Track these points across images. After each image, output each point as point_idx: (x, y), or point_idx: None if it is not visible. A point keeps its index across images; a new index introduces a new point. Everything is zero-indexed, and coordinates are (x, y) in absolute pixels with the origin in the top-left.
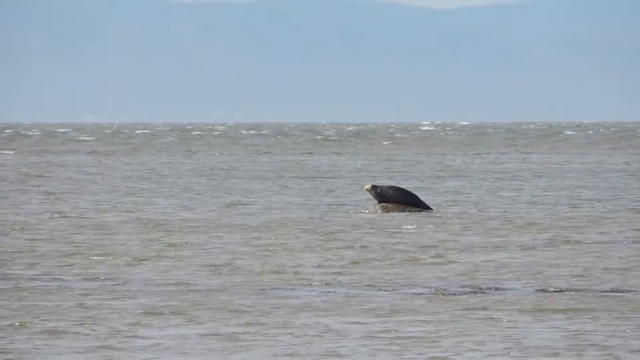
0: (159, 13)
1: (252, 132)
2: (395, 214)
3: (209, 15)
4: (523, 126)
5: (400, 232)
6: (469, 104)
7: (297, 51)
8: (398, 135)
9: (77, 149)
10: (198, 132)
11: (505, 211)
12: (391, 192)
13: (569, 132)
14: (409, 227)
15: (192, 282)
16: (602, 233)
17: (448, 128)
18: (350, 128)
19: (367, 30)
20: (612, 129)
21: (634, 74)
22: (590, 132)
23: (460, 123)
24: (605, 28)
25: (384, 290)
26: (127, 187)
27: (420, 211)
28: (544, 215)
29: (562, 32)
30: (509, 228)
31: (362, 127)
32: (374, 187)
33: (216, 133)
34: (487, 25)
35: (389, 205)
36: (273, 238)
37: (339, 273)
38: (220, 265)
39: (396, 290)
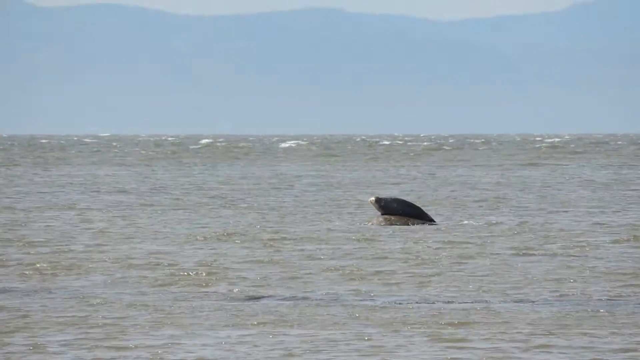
0: (162, 26)
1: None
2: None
3: (211, 27)
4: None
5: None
6: (473, 116)
7: (301, 64)
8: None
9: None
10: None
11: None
12: (395, 205)
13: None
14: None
15: None
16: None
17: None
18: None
19: (371, 43)
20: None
21: (638, 86)
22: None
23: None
24: (609, 40)
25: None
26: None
27: (423, 223)
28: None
29: (566, 44)
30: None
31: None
32: (378, 200)
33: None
34: (492, 38)
35: (392, 217)
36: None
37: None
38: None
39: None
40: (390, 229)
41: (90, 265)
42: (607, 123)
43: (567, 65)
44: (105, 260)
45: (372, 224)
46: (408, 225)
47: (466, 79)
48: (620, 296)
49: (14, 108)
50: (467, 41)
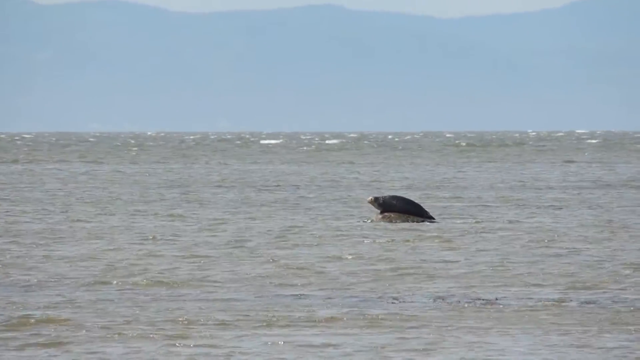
0: (162, 23)
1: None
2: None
3: (211, 24)
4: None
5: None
6: (472, 113)
7: (301, 60)
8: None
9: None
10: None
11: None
12: (394, 202)
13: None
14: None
15: None
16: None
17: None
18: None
19: (371, 40)
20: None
21: (636, 84)
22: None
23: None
24: (609, 39)
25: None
26: None
27: (422, 221)
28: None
29: (566, 42)
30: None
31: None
32: (376, 199)
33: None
34: (492, 35)
35: (392, 215)
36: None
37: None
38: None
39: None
40: (394, 226)
41: None
42: (606, 121)
43: (566, 63)
44: None
45: (372, 222)
46: (408, 222)
47: (465, 76)
48: None
49: (14, 107)
50: (466, 39)
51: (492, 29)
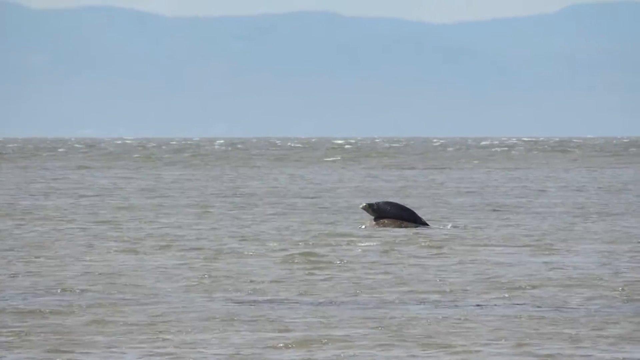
0: (156, 29)
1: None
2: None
3: (206, 30)
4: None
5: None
6: (467, 119)
7: (296, 67)
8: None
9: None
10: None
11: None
12: (388, 208)
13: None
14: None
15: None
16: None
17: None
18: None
19: (365, 45)
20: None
21: (634, 91)
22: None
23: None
24: (606, 44)
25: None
26: None
27: (416, 226)
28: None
29: (562, 48)
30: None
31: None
32: (370, 205)
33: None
34: (487, 41)
35: (386, 220)
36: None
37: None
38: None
39: None
40: (390, 232)
41: None
42: (605, 127)
43: (563, 68)
44: None
45: (365, 228)
46: (401, 228)
47: (461, 82)
48: None
49: (9, 111)
50: (461, 44)
51: (489, 34)
